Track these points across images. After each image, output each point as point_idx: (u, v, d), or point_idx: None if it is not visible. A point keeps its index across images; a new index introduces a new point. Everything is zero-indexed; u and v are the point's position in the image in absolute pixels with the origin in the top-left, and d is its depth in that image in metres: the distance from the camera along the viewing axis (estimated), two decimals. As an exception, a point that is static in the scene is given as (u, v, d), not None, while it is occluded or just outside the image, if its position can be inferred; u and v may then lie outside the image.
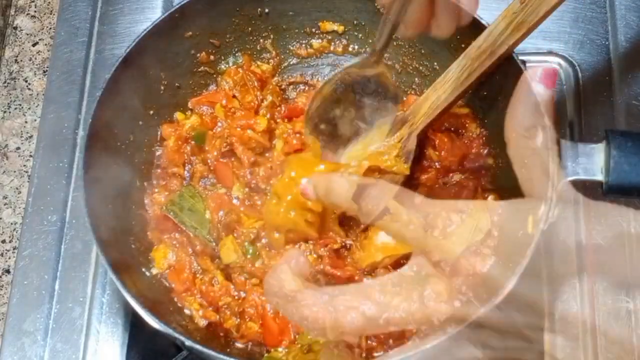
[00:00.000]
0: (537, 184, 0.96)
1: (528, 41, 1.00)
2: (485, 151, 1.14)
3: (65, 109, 1.29)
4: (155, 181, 1.16)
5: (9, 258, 1.25)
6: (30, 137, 1.34)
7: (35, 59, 1.41)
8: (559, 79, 1.29)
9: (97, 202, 1.01)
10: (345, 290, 1.07)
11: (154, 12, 1.35)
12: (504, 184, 1.10)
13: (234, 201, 1.14)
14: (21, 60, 1.41)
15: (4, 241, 1.27)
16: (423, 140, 1.12)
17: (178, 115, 1.19)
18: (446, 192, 1.11)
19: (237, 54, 1.22)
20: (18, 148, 1.34)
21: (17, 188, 1.31)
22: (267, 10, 1.20)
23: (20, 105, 1.37)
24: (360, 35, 1.23)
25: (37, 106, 1.36)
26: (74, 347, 1.14)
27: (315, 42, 1.25)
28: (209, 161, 1.17)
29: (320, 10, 1.21)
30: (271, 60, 1.25)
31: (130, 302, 0.95)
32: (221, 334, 1.06)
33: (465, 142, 1.15)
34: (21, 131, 1.35)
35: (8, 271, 1.24)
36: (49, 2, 1.46)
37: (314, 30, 1.24)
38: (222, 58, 1.22)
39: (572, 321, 1.10)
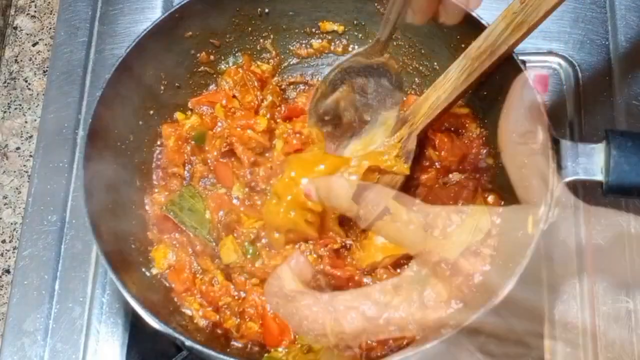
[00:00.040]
0: (533, 190, 0.96)
1: (528, 41, 1.00)
2: (485, 151, 1.14)
3: (65, 109, 1.29)
4: (155, 181, 1.16)
5: (9, 258, 1.25)
6: (30, 137, 1.34)
7: (35, 59, 1.41)
8: (559, 79, 1.29)
9: (97, 202, 1.01)
10: (345, 291, 1.07)
11: (154, 12, 1.35)
12: (504, 184, 1.10)
13: (234, 201, 1.14)
14: (21, 60, 1.41)
15: (4, 241, 1.27)
16: (423, 140, 1.12)
17: (178, 115, 1.19)
18: (446, 192, 1.11)
19: (237, 54, 1.22)
20: (18, 148, 1.34)
21: (17, 188, 1.31)
22: (267, 10, 1.20)
23: (20, 105, 1.37)
24: (360, 35, 1.23)
25: (37, 106, 1.36)
26: (74, 347, 1.14)
27: (315, 42, 1.25)
28: (209, 161, 1.17)
29: (320, 10, 1.21)
30: (271, 60, 1.25)
31: (130, 302, 0.95)
32: (221, 334, 1.06)
33: (465, 142, 1.15)
34: (21, 131, 1.35)
35: (8, 271, 1.24)
36: (49, 2, 1.46)
37: (314, 30, 1.24)
38: (222, 58, 1.22)
39: (571, 324, 1.10)
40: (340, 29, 1.23)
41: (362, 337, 1.02)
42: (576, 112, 1.25)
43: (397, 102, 1.11)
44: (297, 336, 1.04)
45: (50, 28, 1.43)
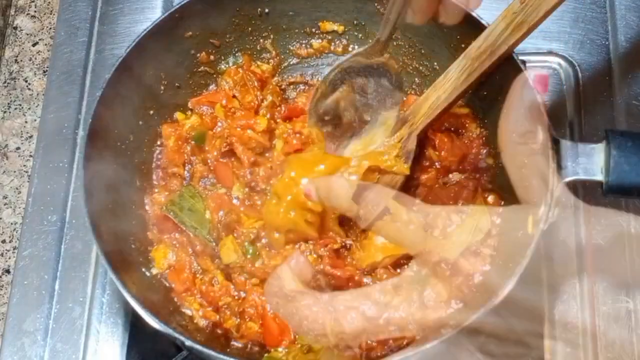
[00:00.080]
0: (533, 190, 0.96)
1: (528, 41, 1.00)
2: (485, 151, 1.14)
3: (65, 109, 1.29)
4: (155, 181, 1.16)
5: (9, 258, 1.25)
6: (30, 137, 1.34)
7: (35, 59, 1.41)
8: (559, 79, 1.29)
9: (97, 202, 1.01)
10: (345, 291, 1.07)
11: (154, 12, 1.35)
12: (504, 184, 1.10)
13: (234, 201, 1.14)
14: (21, 60, 1.41)
15: (4, 241, 1.27)
16: (423, 140, 1.12)
17: (178, 115, 1.19)
18: (446, 192, 1.11)
19: (237, 54, 1.22)
20: (18, 148, 1.34)
21: (17, 188, 1.31)
22: (267, 10, 1.20)
23: (20, 105, 1.37)
24: (360, 35, 1.23)
25: (37, 106, 1.36)
26: (74, 347, 1.14)
27: (315, 42, 1.25)
28: (209, 161, 1.17)
29: (320, 10, 1.21)
30: (271, 60, 1.25)
31: (130, 302, 0.95)
32: (221, 334, 1.06)
33: (465, 142, 1.15)
34: (21, 131, 1.35)
35: (8, 271, 1.24)
36: (49, 2, 1.46)
37: (314, 30, 1.24)
38: (222, 58, 1.22)
39: (571, 324, 1.10)
40: (340, 29, 1.23)
41: (362, 337, 1.02)
42: (576, 112, 1.25)
43: (397, 102, 1.11)
44: (297, 336, 1.04)
45: (50, 28, 1.43)
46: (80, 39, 1.34)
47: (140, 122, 1.14)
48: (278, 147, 1.17)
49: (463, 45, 1.07)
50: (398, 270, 1.06)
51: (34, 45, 1.42)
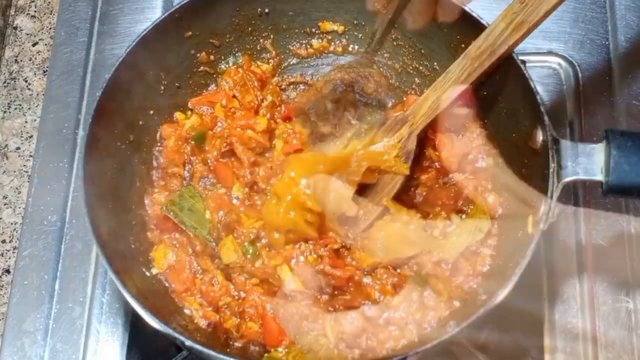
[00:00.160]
0: (533, 190, 0.97)
1: (528, 41, 1.00)
2: (485, 151, 1.14)
3: (65, 109, 1.29)
4: (155, 181, 1.16)
5: (9, 258, 1.25)
6: (30, 137, 1.34)
7: (35, 59, 1.41)
8: (559, 79, 1.29)
9: (97, 202, 1.01)
10: (345, 291, 1.07)
11: (154, 12, 1.35)
12: (504, 184, 1.10)
13: (234, 201, 1.14)
14: (21, 60, 1.41)
15: (4, 241, 1.27)
16: (423, 140, 1.12)
17: (178, 115, 1.19)
18: (446, 192, 1.11)
19: (237, 54, 1.22)
20: (18, 148, 1.34)
21: (17, 188, 1.31)
22: (267, 10, 1.20)
23: (20, 105, 1.37)
24: (360, 35, 1.23)
25: (37, 106, 1.36)
26: (74, 347, 1.14)
27: (315, 42, 1.25)
28: (209, 161, 1.17)
29: (320, 10, 1.21)
30: (271, 60, 1.25)
31: (130, 302, 0.95)
32: (221, 334, 1.06)
33: (465, 142, 1.15)
34: (21, 131, 1.35)
35: (8, 271, 1.24)
36: (49, 2, 1.46)
37: (314, 30, 1.24)
38: (222, 58, 1.22)
39: (571, 324, 1.11)
40: (340, 29, 1.23)
41: (362, 337, 1.02)
42: (576, 112, 1.25)
43: (380, 113, 1.12)
44: (297, 336, 1.04)
45: (50, 28, 1.43)
46: (80, 39, 1.34)
47: (140, 122, 1.14)
48: (278, 147, 1.17)
49: (463, 45, 1.07)
50: (398, 270, 1.06)
51: (34, 45, 1.42)
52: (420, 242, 1.06)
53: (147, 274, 1.09)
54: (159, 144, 1.18)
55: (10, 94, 1.38)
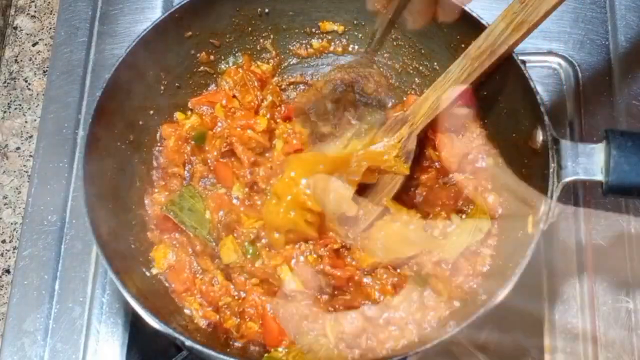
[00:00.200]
0: (533, 190, 0.97)
1: (528, 41, 1.00)
2: (485, 151, 1.14)
3: (65, 109, 1.29)
4: (155, 181, 1.16)
5: (9, 258, 1.25)
6: (30, 137, 1.34)
7: (35, 59, 1.41)
8: (559, 79, 1.29)
9: (97, 202, 1.01)
10: (345, 291, 1.07)
11: (154, 12, 1.35)
12: (504, 184, 1.10)
13: (234, 201, 1.14)
14: (21, 60, 1.41)
15: (4, 241, 1.27)
16: (423, 140, 1.12)
17: (178, 115, 1.19)
18: (446, 192, 1.12)
19: (237, 54, 1.22)
20: (18, 148, 1.34)
21: (17, 188, 1.31)
22: (267, 10, 1.20)
23: (20, 105, 1.37)
24: (360, 35, 1.23)
25: (37, 106, 1.36)
26: (74, 347, 1.14)
27: (315, 42, 1.25)
28: (209, 161, 1.17)
29: (320, 10, 1.21)
30: (271, 60, 1.25)
31: (130, 302, 0.95)
32: (221, 334, 1.06)
33: (465, 142, 1.15)
34: (21, 131, 1.35)
35: (8, 271, 1.24)
36: (49, 2, 1.46)
37: (314, 30, 1.24)
38: (222, 58, 1.22)
39: (571, 324, 1.11)
40: (340, 29, 1.23)
41: (362, 337, 1.02)
42: (576, 112, 1.25)
43: (380, 113, 1.12)
44: (297, 336, 1.04)
45: (50, 28, 1.43)
46: (80, 39, 1.34)
47: (140, 122, 1.14)
48: (278, 147, 1.17)
49: (463, 45, 1.07)
50: (398, 270, 1.06)
51: (34, 45, 1.42)
52: (420, 242, 1.06)
53: (147, 274, 1.09)
54: (159, 144, 1.18)
55: (10, 94, 1.38)
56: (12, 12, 1.46)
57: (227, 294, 1.08)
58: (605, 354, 1.09)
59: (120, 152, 1.11)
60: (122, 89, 1.09)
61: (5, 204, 1.29)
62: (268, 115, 1.18)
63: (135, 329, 1.15)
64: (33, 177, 1.24)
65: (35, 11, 1.46)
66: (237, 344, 1.06)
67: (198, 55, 1.19)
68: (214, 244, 1.11)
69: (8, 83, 1.39)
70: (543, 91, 1.25)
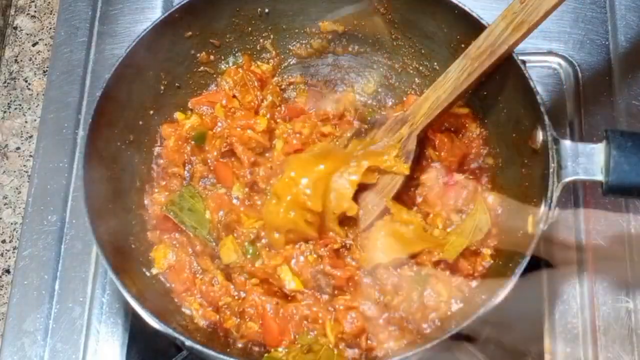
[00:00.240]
0: (533, 190, 0.96)
1: (528, 41, 1.00)
2: (485, 151, 1.14)
3: (65, 109, 1.29)
4: (155, 181, 1.16)
5: (9, 258, 1.25)
6: (30, 137, 1.34)
7: (35, 59, 1.41)
8: (559, 79, 1.29)
9: (97, 202, 1.01)
10: (345, 291, 1.07)
11: (154, 12, 1.35)
12: (504, 184, 1.10)
13: (234, 201, 1.14)
14: (21, 60, 1.41)
15: (4, 241, 1.27)
16: (423, 140, 1.12)
17: (178, 115, 1.19)
18: (446, 192, 1.11)
19: (237, 54, 1.22)
20: (18, 148, 1.34)
21: (17, 188, 1.31)
22: (267, 10, 1.20)
23: (20, 105, 1.37)
24: (360, 35, 1.23)
25: (37, 106, 1.36)
26: (74, 347, 1.14)
27: (315, 42, 1.25)
28: (209, 161, 1.17)
29: (320, 10, 1.21)
30: (271, 60, 1.25)
31: (130, 302, 0.95)
32: (221, 334, 1.06)
33: (465, 142, 1.15)
34: (21, 131, 1.35)
35: (8, 271, 1.24)
36: (49, 2, 1.46)
37: (314, 30, 1.23)
38: (222, 58, 1.22)
39: (571, 324, 1.10)
40: (340, 29, 1.22)
41: (362, 337, 1.02)
42: (576, 112, 1.25)
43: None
44: (297, 336, 1.04)
45: (50, 28, 1.43)
46: (80, 39, 1.34)
47: (140, 122, 1.14)
48: (278, 147, 1.17)
49: (463, 45, 1.07)
50: (398, 270, 1.06)
51: (34, 45, 1.42)
52: (420, 242, 1.06)
53: (147, 274, 1.09)
54: (159, 144, 1.18)
55: (10, 94, 1.38)
56: (12, 12, 1.46)
57: (227, 294, 1.08)
58: (605, 354, 1.09)
59: (120, 152, 1.11)
60: (122, 89, 1.09)
61: (5, 204, 1.29)
62: (268, 115, 1.18)
63: (135, 329, 1.15)
64: (33, 177, 1.24)
65: (35, 11, 1.46)
66: (237, 344, 1.06)
67: (198, 55, 1.19)
68: (214, 244, 1.11)
69: (8, 83, 1.39)
70: (543, 91, 1.24)
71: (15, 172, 1.32)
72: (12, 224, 1.28)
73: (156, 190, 1.15)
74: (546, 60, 1.29)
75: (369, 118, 1.18)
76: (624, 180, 0.92)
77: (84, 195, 0.99)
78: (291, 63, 1.26)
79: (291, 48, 1.25)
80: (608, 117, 1.23)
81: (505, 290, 0.92)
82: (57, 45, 1.35)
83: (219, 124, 1.18)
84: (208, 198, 1.14)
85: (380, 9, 1.16)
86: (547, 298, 1.13)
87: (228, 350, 1.04)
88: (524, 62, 1.02)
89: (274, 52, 1.24)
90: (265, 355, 1.03)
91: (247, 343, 1.06)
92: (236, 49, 1.22)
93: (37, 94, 1.37)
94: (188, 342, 0.93)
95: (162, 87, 1.16)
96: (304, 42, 1.25)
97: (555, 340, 1.10)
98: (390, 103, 1.24)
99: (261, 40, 1.23)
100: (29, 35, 1.43)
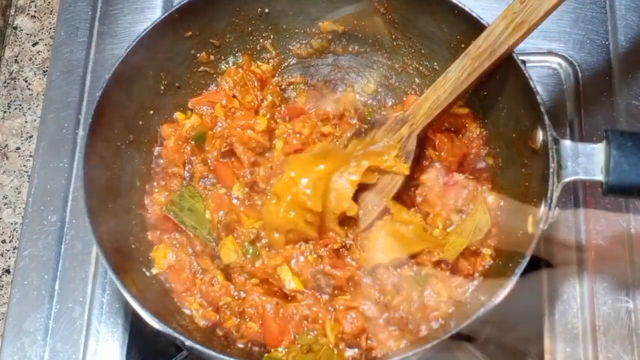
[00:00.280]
0: (533, 190, 0.96)
1: (528, 41, 1.00)
2: (485, 151, 1.14)
3: (65, 109, 1.29)
4: (155, 181, 1.16)
5: (9, 258, 1.25)
6: (30, 137, 1.34)
7: (35, 59, 1.41)
8: (559, 79, 1.29)
9: (97, 202, 1.01)
10: (345, 291, 1.07)
11: (154, 12, 1.35)
12: (504, 184, 1.10)
13: (234, 201, 1.14)
14: (21, 60, 1.41)
15: (4, 241, 1.27)
16: (423, 140, 1.12)
17: (178, 115, 1.19)
18: (446, 192, 1.11)
19: (237, 54, 1.22)
20: (18, 148, 1.34)
21: (17, 188, 1.31)
22: (267, 10, 1.20)
23: (20, 105, 1.37)
24: (360, 35, 1.23)
25: (37, 106, 1.36)
26: (74, 347, 1.14)
27: (315, 42, 1.25)
28: (209, 161, 1.17)
29: (320, 10, 1.21)
30: (271, 60, 1.25)
31: (130, 302, 0.95)
32: (221, 334, 1.06)
33: (465, 142, 1.15)
34: (21, 131, 1.35)
35: (8, 271, 1.24)
36: (49, 2, 1.46)
37: (314, 30, 1.23)
38: (222, 58, 1.22)
39: (571, 324, 1.10)
40: (340, 29, 1.22)
41: (362, 337, 1.02)
42: (576, 112, 1.25)
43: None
44: (297, 336, 1.04)
45: (50, 28, 1.43)
46: (80, 39, 1.34)
47: (140, 122, 1.14)
48: (278, 147, 1.17)
49: (463, 45, 1.07)
50: (398, 270, 1.06)
51: (34, 45, 1.42)
52: (420, 242, 1.06)
53: (147, 274, 1.09)
54: (158, 144, 1.18)
55: (10, 94, 1.38)
56: (12, 12, 1.46)
57: (227, 294, 1.08)
58: (605, 354, 1.09)
59: (120, 152, 1.11)
60: (122, 89, 1.09)
61: (5, 204, 1.29)
62: (268, 115, 1.18)
63: (135, 329, 1.15)
64: (33, 177, 1.24)
65: (35, 11, 1.46)
66: (237, 344, 1.06)
67: (198, 55, 1.19)
68: (214, 244, 1.11)
69: (8, 83, 1.39)
70: (543, 91, 1.24)
71: (15, 172, 1.32)
72: (12, 224, 1.28)
73: (156, 190, 1.15)
74: (546, 60, 1.30)
75: (369, 118, 1.18)
76: (624, 180, 0.92)
77: (84, 195, 0.99)
78: (291, 63, 1.26)
79: (291, 48, 1.25)
80: (608, 117, 1.24)
81: (505, 290, 0.92)
82: (57, 45, 1.35)
83: (219, 124, 1.18)
84: (208, 198, 1.14)
85: (380, 9, 1.16)
86: (547, 298, 1.13)
87: (228, 350, 1.04)
88: (524, 62, 1.02)
89: (274, 52, 1.25)
90: (265, 355, 1.03)
91: (247, 343, 1.06)
92: (236, 49, 1.22)
93: (37, 94, 1.37)
94: (188, 342, 0.93)
95: (162, 87, 1.16)
96: (304, 42, 1.25)
97: (555, 340, 1.10)
98: (390, 103, 1.24)
99: (261, 40, 1.23)
100: (29, 35, 1.43)
